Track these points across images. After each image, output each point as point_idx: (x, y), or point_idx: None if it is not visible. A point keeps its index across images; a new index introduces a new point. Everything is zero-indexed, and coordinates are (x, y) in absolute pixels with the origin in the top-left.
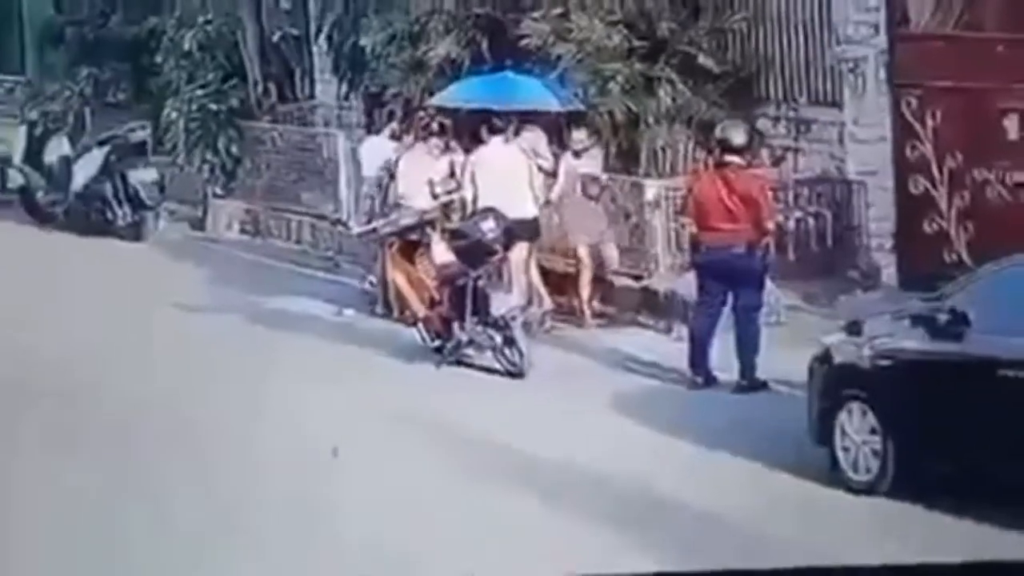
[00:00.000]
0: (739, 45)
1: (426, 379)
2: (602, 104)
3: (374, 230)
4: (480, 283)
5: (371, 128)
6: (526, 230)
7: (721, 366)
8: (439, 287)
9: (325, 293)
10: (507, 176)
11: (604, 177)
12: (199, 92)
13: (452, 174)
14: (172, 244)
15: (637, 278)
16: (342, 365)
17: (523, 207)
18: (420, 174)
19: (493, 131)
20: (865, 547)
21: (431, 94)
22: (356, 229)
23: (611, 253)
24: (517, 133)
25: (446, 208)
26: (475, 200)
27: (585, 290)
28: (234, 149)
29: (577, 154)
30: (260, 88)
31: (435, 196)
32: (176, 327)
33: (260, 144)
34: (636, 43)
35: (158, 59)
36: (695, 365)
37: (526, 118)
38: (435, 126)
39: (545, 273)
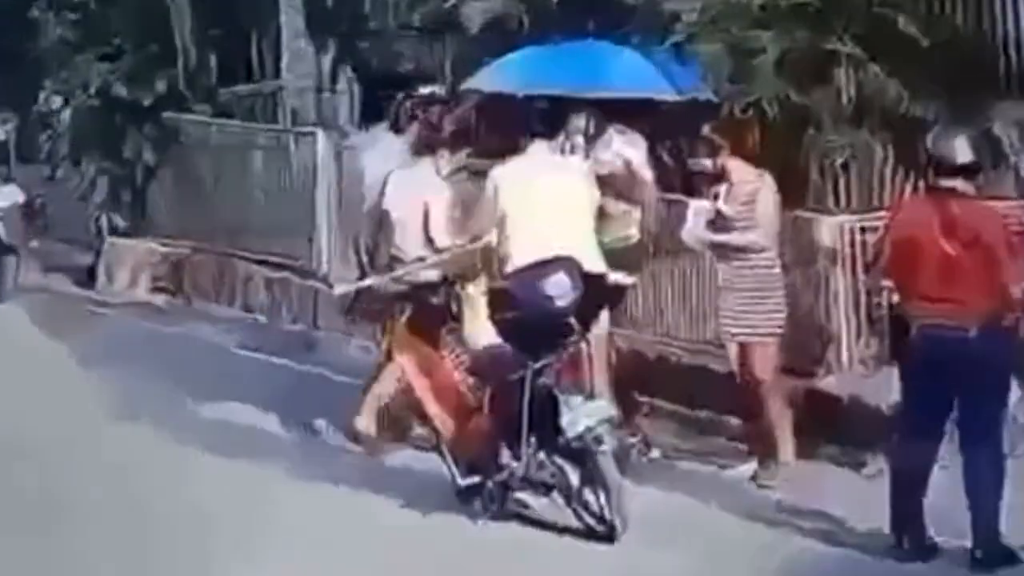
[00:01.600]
0: (964, 4)
1: (457, 543)
2: (745, 94)
3: (368, 290)
4: (545, 381)
5: (369, 124)
6: (604, 295)
7: (938, 523)
8: (478, 386)
9: (290, 395)
10: (556, 208)
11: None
12: (98, 67)
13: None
14: (39, 308)
15: (802, 375)
16: (317, 528)
17: (585, 259)
18: (421, 204)
19: (537, 132)
20: None
21: (465, 72)
22: (340, 288)
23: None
24: (593, 138)
25: (486, 255)
26: (504, 245)
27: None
28: (148, 155)
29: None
30: (193, 61)
31: (436, 249)
32: (30, 468)
33: (190, 148)
34: None
35: (32, 14)
36: (901, 523)
37: (615, 113)
38: (446, 126)
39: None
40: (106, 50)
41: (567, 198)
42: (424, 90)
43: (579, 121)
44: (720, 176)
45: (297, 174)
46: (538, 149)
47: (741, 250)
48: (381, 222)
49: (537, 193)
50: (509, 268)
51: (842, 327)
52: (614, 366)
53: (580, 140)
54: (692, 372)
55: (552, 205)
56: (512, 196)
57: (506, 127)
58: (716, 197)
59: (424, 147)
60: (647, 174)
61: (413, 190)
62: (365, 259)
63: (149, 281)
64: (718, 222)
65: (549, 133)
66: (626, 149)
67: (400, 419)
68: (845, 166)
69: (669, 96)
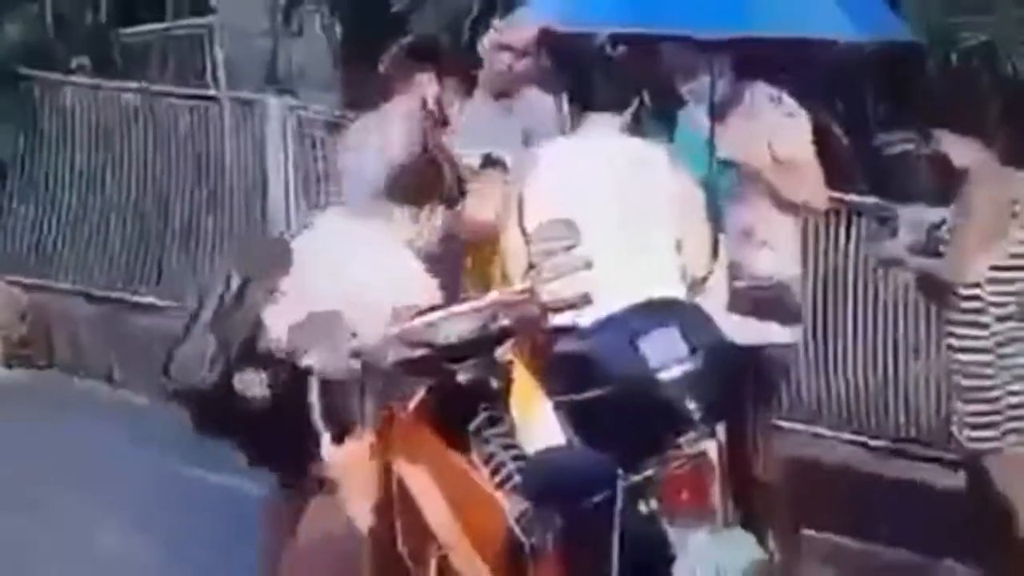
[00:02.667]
0: None
1: None
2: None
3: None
4: (646, 506)
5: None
6: (743, 362)
7: None
8: (534, 517)
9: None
10: (640, 220)
11: None
12: None
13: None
14: None
15: None
16: None
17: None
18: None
19: (591, 103)
20: None
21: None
22: (310, 358)
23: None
24: (724, 107)
25: (547, 309)
26: (532, 275)
27: None
28: None
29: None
30: None
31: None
32: None
33: (61, 128)
34: None
35: None
36: None
37: (754, 65)
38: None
39: None
40: None
41: (657, 205)
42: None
43: (693, 78)
44: (939, 165)
45: (234, 169)
46: (597, 126)
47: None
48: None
49: (607, 197)
50: (578, 319)
51: None
52: (763, 481)
53: (700, 114)
54: (895, 491)
55: (634, 216)
56: (559, 202)
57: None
58: (943, 199)
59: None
60: (810, 164)
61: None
62: None
63: (1, 347)
64: (931, 242)
65: (620, 99)
66: (776, 125)
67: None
68: None
69: (845, 37)
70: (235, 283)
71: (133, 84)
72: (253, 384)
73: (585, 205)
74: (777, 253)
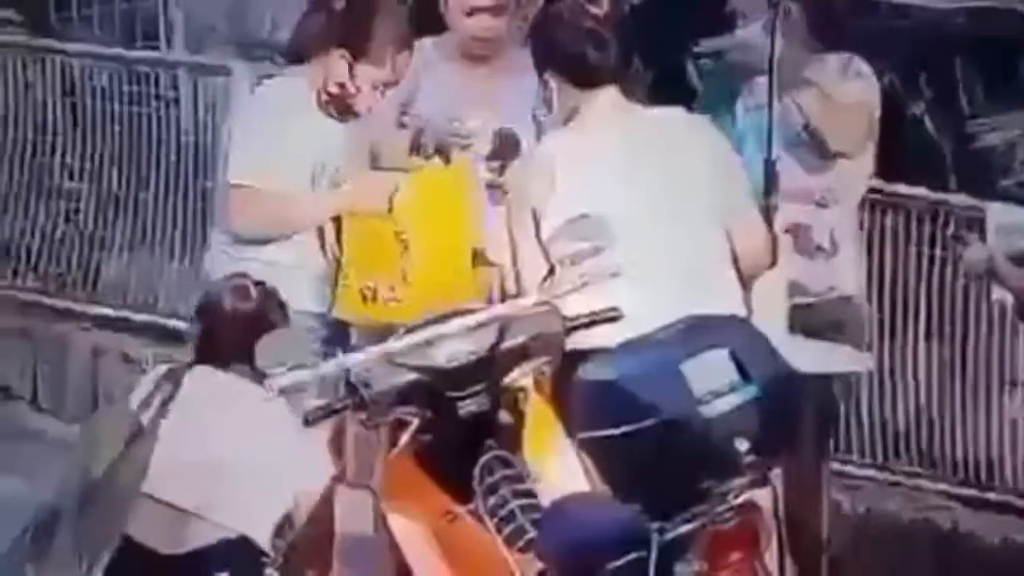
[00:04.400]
0: None
1: None
2: None
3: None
4: (685, 569)
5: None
6: (799, 394)
7: None
8: None
9: None
10: (673, 219)
11: None
12: None
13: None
14: None
15: None
16: None
17: (716, 298)
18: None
19: (595, 75)
20: None
21: None
22: (281, 380)
23: None
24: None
25: (569, 326)
26: (552, 279)
27: None
28: None
29: None
30: None
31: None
32: None
33: None
34: None
35: None
36: None
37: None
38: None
39: None
40: None
41: (696, 185)
42: None
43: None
44: None
45: (188, 151)
46: (606, 102)
47: None
48: None
49: (633, 188)
50: (607, 338)
51: None
52: (830, 540)
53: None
54: (994, 556)
55: (670, 206)
56: (575, 196)
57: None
58: None
59: None
60: (863, 108)
61: None
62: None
63: None
64: None
65: (620, 64)
66: (844, 93)
67: None
68: None
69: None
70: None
71: (71, 46)
72: None
73: (609, 202)
74: (835, 259)
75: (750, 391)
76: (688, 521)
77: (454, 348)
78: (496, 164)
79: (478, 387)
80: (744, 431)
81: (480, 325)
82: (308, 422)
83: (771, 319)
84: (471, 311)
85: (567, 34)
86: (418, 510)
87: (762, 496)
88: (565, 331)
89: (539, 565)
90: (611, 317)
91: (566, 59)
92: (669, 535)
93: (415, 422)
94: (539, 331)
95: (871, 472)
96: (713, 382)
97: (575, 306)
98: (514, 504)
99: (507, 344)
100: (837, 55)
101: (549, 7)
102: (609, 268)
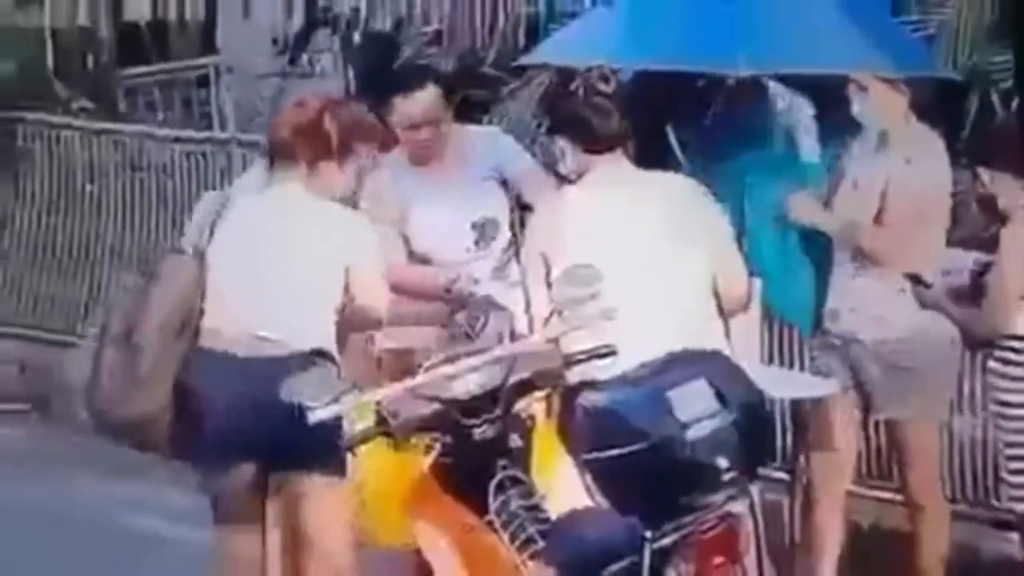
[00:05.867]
0: None
1: None
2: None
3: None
4: (679, 573)
5: None
6: (768, 421)
7: None
8: None
9: None
10: (668, 268)
11: None
12: None
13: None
14: None
15: None
16: None
17: (703, 336)
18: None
19: (602, 142)
20: None
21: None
22: (322, 412)
23: None
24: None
25: (569, 361)
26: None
27: None
28: None
29: None
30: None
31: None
32: None
33: (51, 173)
34: None
35: None
36: None
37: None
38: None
39: None
40: None
41: (686, 240)
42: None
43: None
44: (983, 206)
45: None
46: (612, 164)
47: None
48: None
49: (631, 241)
50: (602, 371)
51: None
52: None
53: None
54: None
55: (662, 257)
56: (581, 247)
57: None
58: (988, 243)
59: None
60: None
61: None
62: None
63: None
64: (974, 289)
65: (619, 136)
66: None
67: None
68: None
69: (883, 74)
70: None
71: (136, 127)
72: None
73: (609, 251)
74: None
75: (728, 416)
76: (676, 530)
77: (469, 382)
78: (482, 250)
79: (491, 415)
80: (724, 451)
81: (492, 361)
82: (348, 449)
83: (746, 352)
84: (485, 350)
85: (579, 107)
86: (440, 522)
87: (741, 507)
88: (566, 366)
89: (547, 571)
90: (605, 353)
91: (577, 128)
92: (660, 543)
93: (437, 447)
94: (542, 366)
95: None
96: (695, 409)
97: (575, 344)
98: (525, 517)
99: (515, 378)
100: None
101: (564, 84)
102: (605, 312)
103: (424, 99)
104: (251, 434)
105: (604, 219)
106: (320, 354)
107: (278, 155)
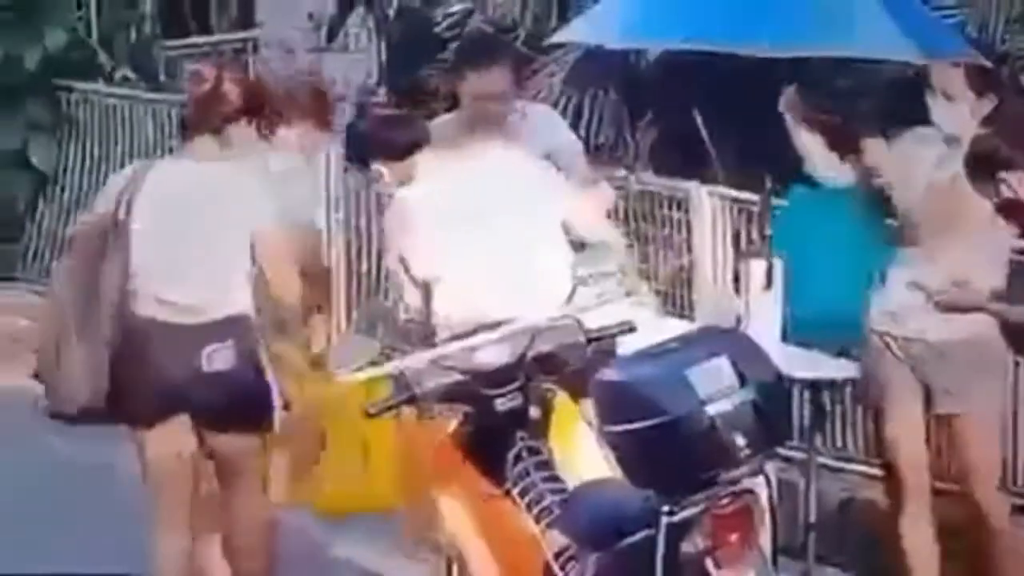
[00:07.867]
0: None
1: None
2: None
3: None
4: (689, 547)
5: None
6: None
7: None
8: (573, 554)
9: None
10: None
11: None
12: None
13: None
14: None
15: None
16: None
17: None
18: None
19: (408, 149)
20: None
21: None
22: (345, 373)
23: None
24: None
25: (590, 337)
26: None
27: None
28: (34, 153)
29: None
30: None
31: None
32: None
33: (97, 139)
34: None
35: None
36: None
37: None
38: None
39: None
40: None
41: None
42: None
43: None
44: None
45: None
46: (428, 162)
47: None
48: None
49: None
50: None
51: None
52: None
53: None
54: None
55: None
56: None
57: None
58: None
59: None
60: None
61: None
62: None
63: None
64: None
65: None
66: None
67: None
68: None
69: (910, 59)
70: None
71: (176, 97)
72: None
73: (456, 232)
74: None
75: (747, 394)
76: (693, 505)
77: (492, 353)
78: None
79: (512, 387)
80: (742, 428)
81: (513, 334)
82: (370, 415)
83: (766, 331)
84: (507, 322)
85: (372, 129)
86: (460, 491)
87: (758, 484)
88: (587, 341)
89: (563, 540)
90: (626, 330)
91: (380, 147)
92: (676, 517)
93: (457, 416)
94: (563, 340)
95: (855, 466)
96: (715, 386)
97: (595, 320)
98: (543, 487)
99: (535, 351)
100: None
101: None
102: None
103: (497, 74)
104: (179, 396)
105: (444, 206)
106: (234, 321)
107: (191, 126)
